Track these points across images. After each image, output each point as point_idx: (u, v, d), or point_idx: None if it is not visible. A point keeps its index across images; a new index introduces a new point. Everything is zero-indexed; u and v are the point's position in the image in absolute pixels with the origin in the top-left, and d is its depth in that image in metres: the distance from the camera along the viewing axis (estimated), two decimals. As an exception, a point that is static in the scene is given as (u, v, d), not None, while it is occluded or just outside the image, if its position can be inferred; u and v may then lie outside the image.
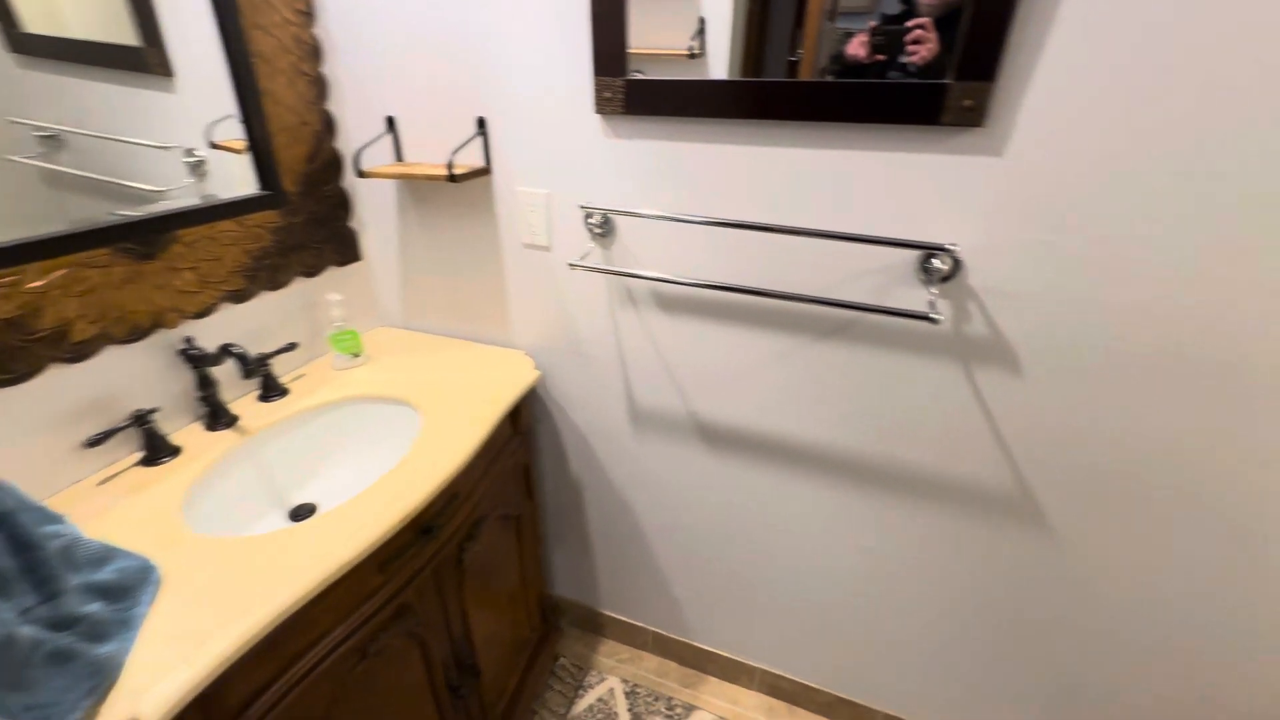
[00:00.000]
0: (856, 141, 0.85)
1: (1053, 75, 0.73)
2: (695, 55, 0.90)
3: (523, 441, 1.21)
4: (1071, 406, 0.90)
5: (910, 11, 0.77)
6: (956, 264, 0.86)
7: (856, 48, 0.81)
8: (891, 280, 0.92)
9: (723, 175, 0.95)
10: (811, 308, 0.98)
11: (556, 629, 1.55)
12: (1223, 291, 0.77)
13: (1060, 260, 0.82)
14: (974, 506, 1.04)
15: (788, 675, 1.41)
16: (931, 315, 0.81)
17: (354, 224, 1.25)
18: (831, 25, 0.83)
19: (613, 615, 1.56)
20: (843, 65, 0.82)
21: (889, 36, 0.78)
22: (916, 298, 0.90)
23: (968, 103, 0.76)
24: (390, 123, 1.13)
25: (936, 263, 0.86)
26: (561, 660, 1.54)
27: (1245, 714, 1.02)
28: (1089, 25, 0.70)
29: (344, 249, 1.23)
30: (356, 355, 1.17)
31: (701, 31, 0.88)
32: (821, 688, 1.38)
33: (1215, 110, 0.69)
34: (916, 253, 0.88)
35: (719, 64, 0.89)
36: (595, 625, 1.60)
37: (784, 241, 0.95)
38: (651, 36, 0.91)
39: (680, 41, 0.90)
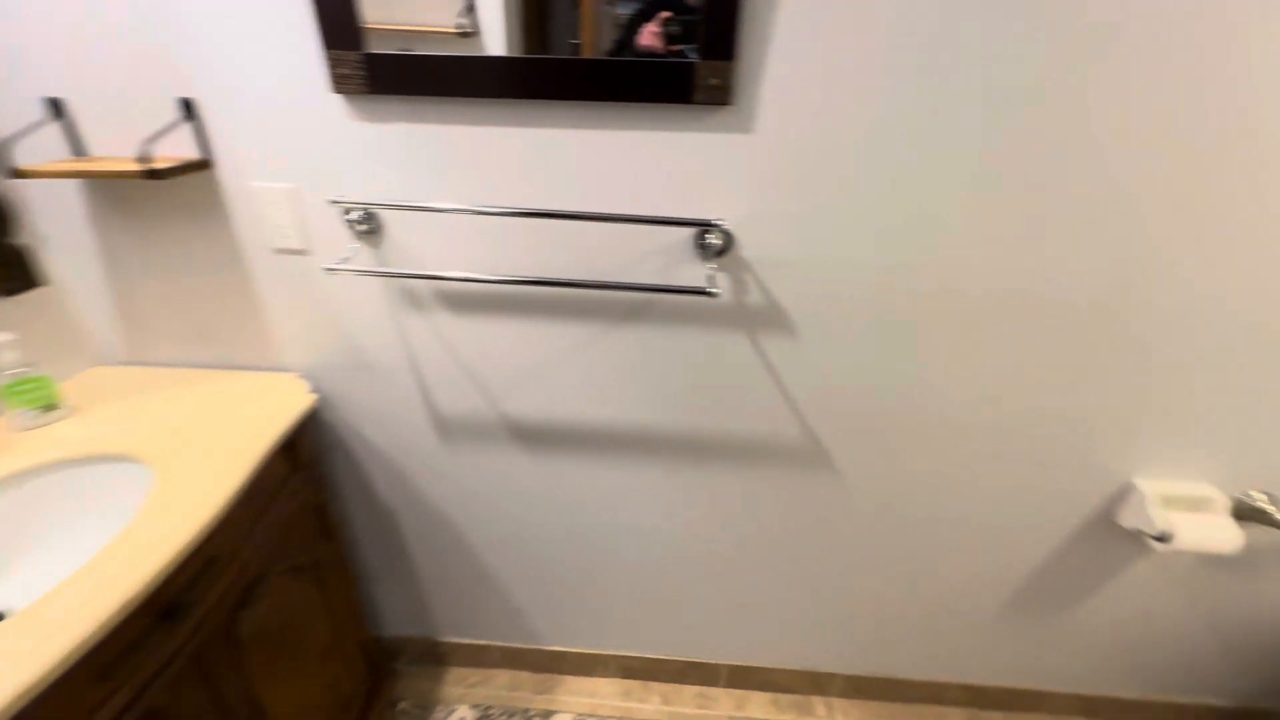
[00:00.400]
0: (623, 121, 0.84)
1: (785, 53, 0.78)
2: (467, 34, 0.82)
3: (307, 478, 1.05)
4: (842, 358, 1.00)
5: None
6: (728, 238, 0.90)
7: (649, 38, 0.79)
8: (674, 259, 0.93)
9: (493, 160, 0.89)
10: (604, 293, 0.97)
11: (390, 673, 1.40)
12: (959, 248, 0.90)
13: (813, 228, 0.89)
14: (778, 460, 1.12)
15: (640, 654, 1.43)
16: (709, 289, 0.84)
17: (22, 240, 0.96)
18: (610, 8, 0.80)
19: (454, 641, 1.45)
20: (636, 56, 0.80)
21: (685, 26, 0.78)
22: (698, 274, 0.93)
23: (714, 81, 0.79)
24: (56, 106, 0.88)
25: (711, 239, 0.89)
26: (402, 705, 1.40)
27: (959, 584, 1.25)
28: (809, 3, 0.76)
29: (7, 274, 0.94)
30: (51, 408, 0.91)
31: (471, 8, 0.81)
32: (671, 658, 1.43)
33: (940, 79, 0.79)
34: (691, 230, 0.90)
35: (495, 44, 0.82)
36: (436, 656, 1.48)
37: (566, 227, 0.92)
38: (416, 12, 0.82)
39: (446, 18, 0.81)
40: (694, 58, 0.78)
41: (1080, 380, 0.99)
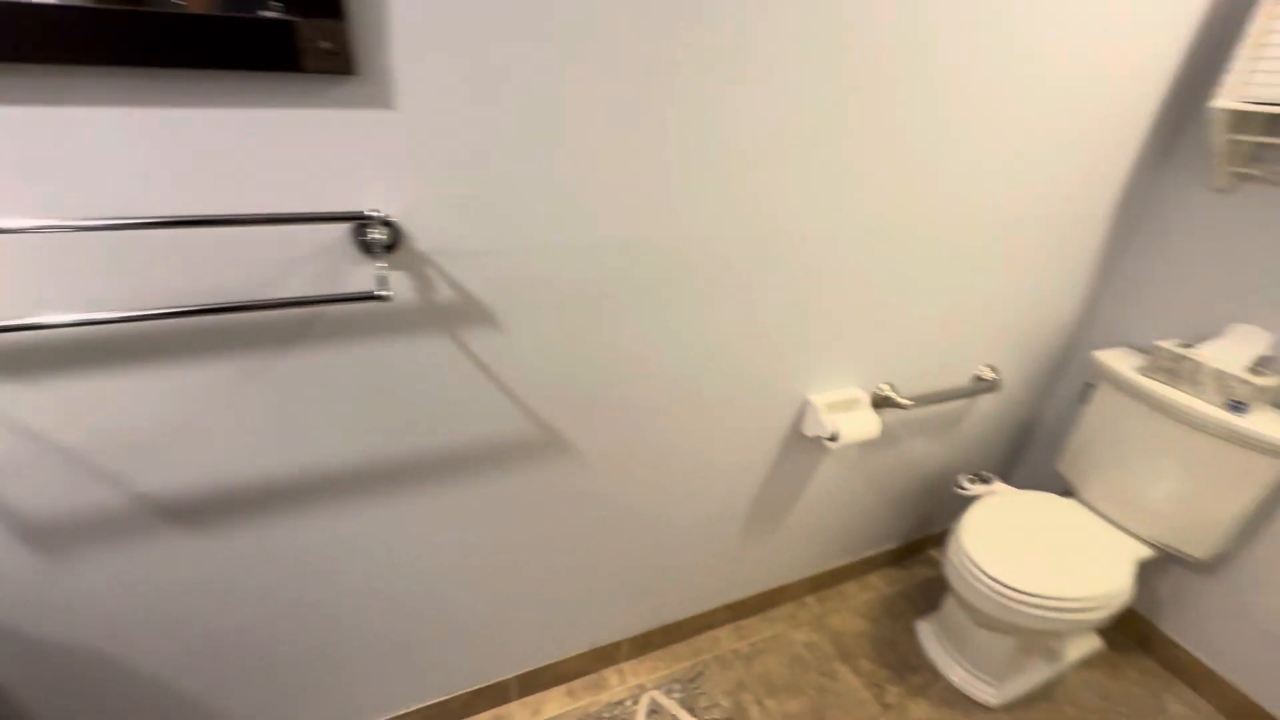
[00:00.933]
0: (219, 96, 0.65)
1: (411, 13, 0.68)
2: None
3: None
4: (553, 342, 0.97)
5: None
6: (395, 232, 0.78)
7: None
8: (335, 263, 0.78)
9: (39, 156, 0.61)
10: (249, 316, 0.77)
11: None
12: (628, 222, 0.91)
13: (487, 213, 0.83)
14: (517, 457, 1.06)
15: (413, 708, 1.27)
16: (379, 293, 0.72)
17: None
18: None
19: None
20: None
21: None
22: (367, 277, 0.80)
23: (326, 45, 0.65)
24: None
25: (373, 234, 0.76)
26: None
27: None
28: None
29: None
30: None
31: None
32: (452, 694, 1.30)
33: (591, 45, 0.77)
34: (346, 226, 0.76)
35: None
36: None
37: (170, 240, 0.70)
38: None
39: None
40: (287, 15, 0.63)
41: (756, 325, 1.14)
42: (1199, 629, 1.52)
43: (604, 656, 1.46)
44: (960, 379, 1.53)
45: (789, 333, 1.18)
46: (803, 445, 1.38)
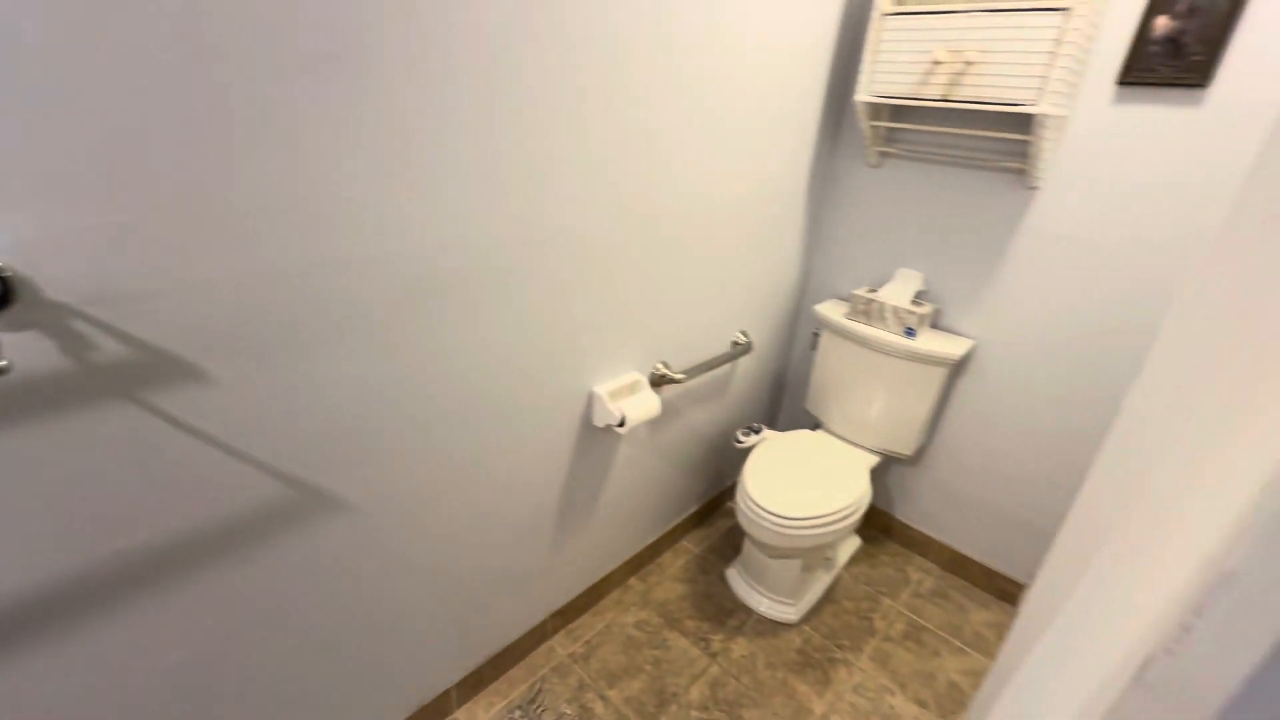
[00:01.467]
0: None
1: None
2: None
3: None
4: (287, 386, 0.83)
5: None
6: (3, 283, 0.58)
7: None
8: (-95, 334, 0.55)
9: None
10: None
11: None
12: (391, 238, 0.81)
13: (159, 241, 0.67)
14: (270, 528, 0.89)
15: None
16: (-12, 368, 0.53)
17: None
18: None
19: None
20: None
21: None
22: (-29, 346, 0.58)
23: None
24: None
25: (-33, 288, 0.56)
26: None
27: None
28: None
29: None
30: None
31: None
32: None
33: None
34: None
35: None
36: None
37: None
38: None
39: None
40: None
41: (530, 330, 1.12)
42: (918, 508, 1.94)
43: (435, 710, 1.33)
44: (721, 347, 1.71)
45: (563, 331, 1.19)
46: (596, 436, 1.41)
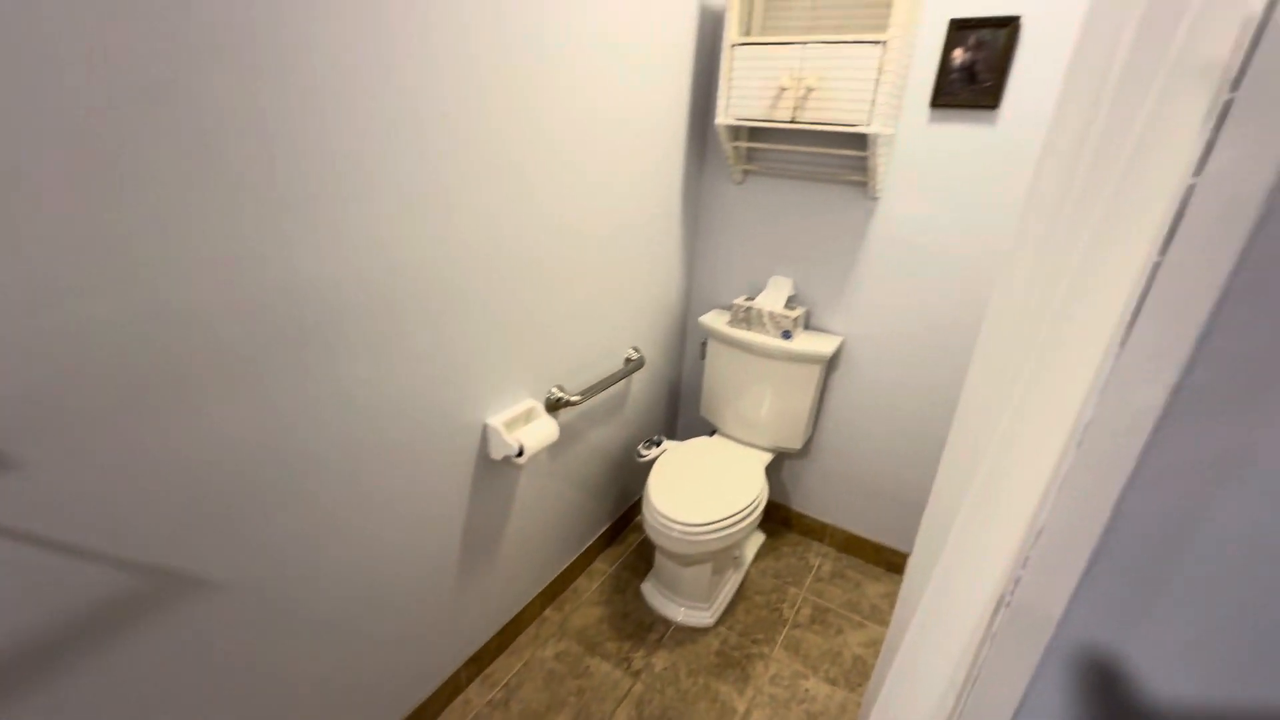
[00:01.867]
0: None
1: None
2: None
3: None
4: (115, 461, 0.72)
5: None
6: None
7: None
8: None
9: None
10: None
11: None
12: (227, 281, 0.72)
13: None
14: (122, 620, 0.76)
15: None
16: None
17: None
18: None
19: None
20: None
21: None
22: None
23: None
24: None
25: None
26: None
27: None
28: None
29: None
30: None
31: None
32: None
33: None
34: None
35: None
36: None
37: None
38: None
39: None
40: None
41: (410, 369, 1.06)
42: (812, 498, 2.08)
43: (336, 798, 1.20)
44: (615, 365, 1.73)
45: (446, 365, 1.14)
46: (495, 470, 1.36)
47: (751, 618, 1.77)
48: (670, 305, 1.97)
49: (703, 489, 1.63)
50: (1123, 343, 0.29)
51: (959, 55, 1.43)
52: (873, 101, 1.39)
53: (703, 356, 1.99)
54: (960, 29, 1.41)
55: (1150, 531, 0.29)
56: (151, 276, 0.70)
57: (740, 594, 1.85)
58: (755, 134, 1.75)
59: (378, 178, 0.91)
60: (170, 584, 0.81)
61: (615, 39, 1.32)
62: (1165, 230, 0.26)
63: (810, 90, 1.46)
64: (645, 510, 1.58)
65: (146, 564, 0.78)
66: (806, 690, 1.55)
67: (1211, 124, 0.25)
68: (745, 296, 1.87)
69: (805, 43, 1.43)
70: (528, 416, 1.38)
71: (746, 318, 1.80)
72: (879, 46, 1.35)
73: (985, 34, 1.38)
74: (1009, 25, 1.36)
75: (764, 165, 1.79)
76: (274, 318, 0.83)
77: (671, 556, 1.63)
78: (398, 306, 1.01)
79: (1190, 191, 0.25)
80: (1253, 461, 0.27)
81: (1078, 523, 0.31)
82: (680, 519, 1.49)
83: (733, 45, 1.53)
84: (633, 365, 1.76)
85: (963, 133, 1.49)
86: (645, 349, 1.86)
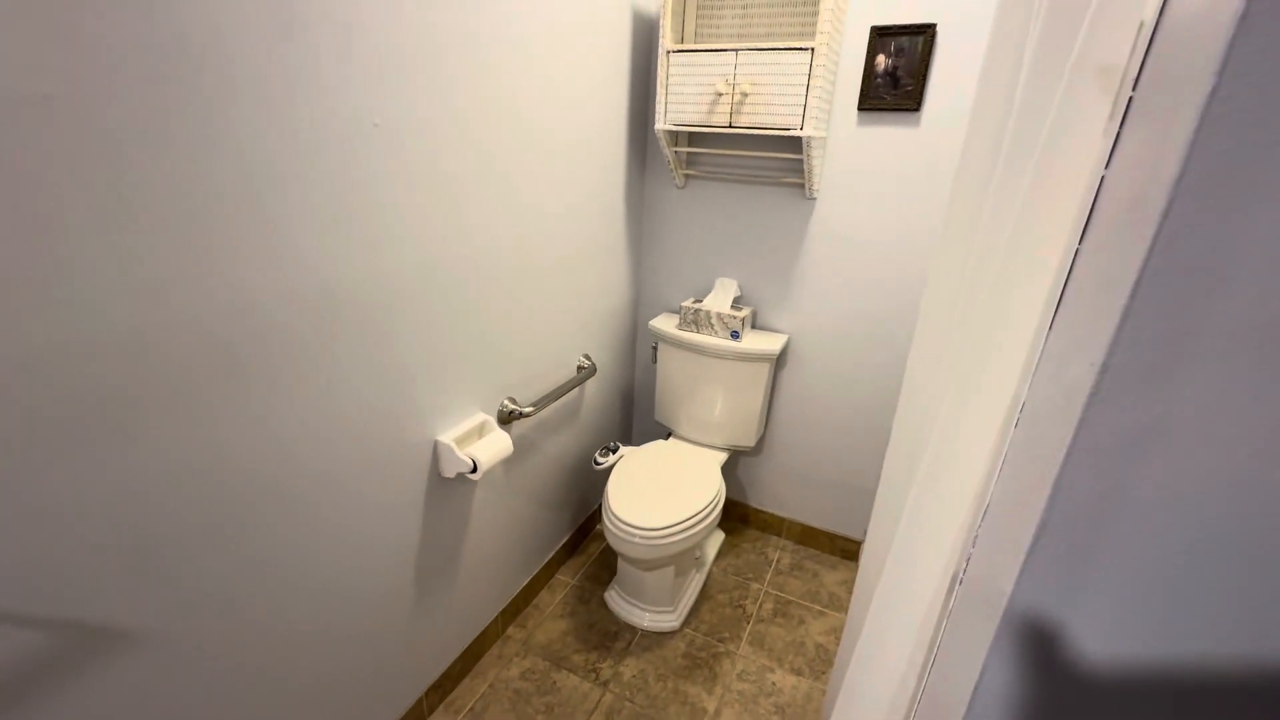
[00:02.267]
0: None
1: None
2: None
3: None
4: (24, 509, 0.66)
5: None
6: None
7: None
8: None
9: None
10: None
11: None
12: (148, 305, 0.67)
13: None
14: (39, 684, 0.69)
15: None
16: None
17: None
18: None
19: None
20: None
21: None
22: None
23: None
24: None
25: None
26: None
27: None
28: None
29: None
30: None
31: None
32: None
33: None
34: None
35: None
36: None
37: None
38: None
39: None
40: None
41: (359, 385, 1.02)
42: (767, 493, 2.12)
43: None
44: (567, 373, 1.71)
45: (391, 384, 1.10)
46: (448, 488, 1.32)
47: (716, 616, 1.78)
48: (619, 311, 1.97)
49: (662, 492, 1.63)
50: (1050, 326, 0.31)
51: (882, 61, 1.50)
52: (804, 105, 1.44)
53: (654, 360, 2.00)
54: (881, 36, 1.48)
55: (1084, 503, 0.31)
56: (38, 307, 0.64)
57: (704, 594, 1.87)
58: (695, 139, 1.78)
59: (301, 190, 0.87)
60: (91, 639, 0.74)
61: (552, 47, 1.31)
62: (1083, 219, 0.28)
63: (745, 95, 1.49)
64: (605, 518, 1.57)
65: (63, 619, 0.71)
66: (773, 683, 1.57)
67: (1118, 120, 0.27)
68: (693, 299, 1.90)
69: (738, 49, 1.47)
70: (480, 431, 1.34)
71: (695, 320, 1.82)
72: (808, 53, 1.40)
73: (904, 41, 1.46)
74: (925, 32, 1.43)
75: (705, 169, 1.82)
76: (185, 348, 0.78)
77: (634, 562, 1.62)
78: (332, 326, 0.96)
79: (1102, 183, 0.27)
80: (1168, 433, 0.29)
81: (1020, 499, 0.33)
82: (641, 524, 1.49)
83: (668, 52, 1.55)
84: (585, 373, 1.75)
85: (889, 134, 1.56)
86: (597, 356, 1.85)
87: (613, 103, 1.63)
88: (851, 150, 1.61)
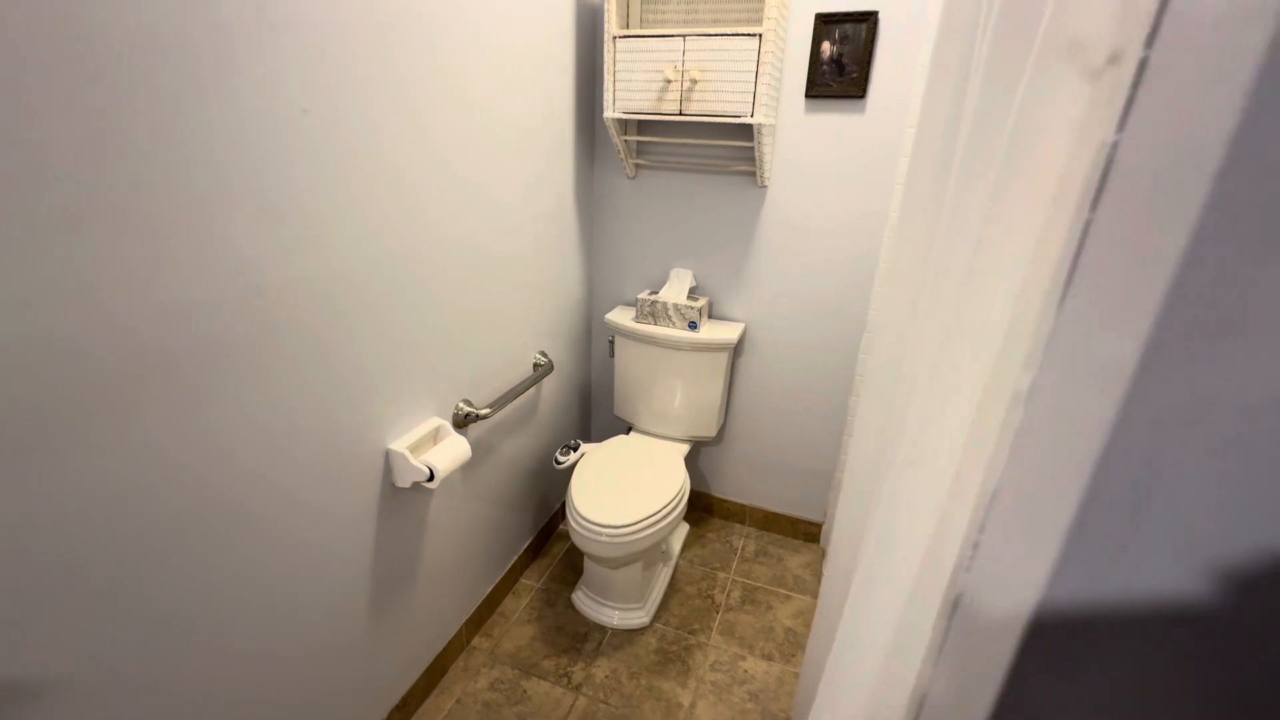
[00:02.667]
0: None
1: None
2: None
3: None
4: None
5: None
6: None
7: None
8: None
9: None
10: None
11: None
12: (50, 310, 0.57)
13: None
14: None
15: None
16: None
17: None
18: None
19: None
20: None
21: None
22: None
23: None
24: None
25: None
26: None
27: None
28: None
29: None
30: None
31: None
32: None
33: None
34: None
35: None
36: None
37: None
38: None
39: None
40: None
41: (301, 394, 0.94)
42: (730, 482, 2.13)
43: None
44: (523, 372, 1.66)
45: (338, 393, 1.02)
46: (403, 498, 1.25)
47: (686, 609, 1.78)
48: (574, 305, 1.92)
49: (626, 489, 1.61)
50: (1061, 302, 0.29)
51: (827, 48, 1.51)
52: (754, 92, 1.43)
53: (612, 355, 1.96)
54: (826, 23, 1.49)
55: (1120, 486, 0.30)
56: None
57: (672, 587, 1.86)
58: (645, 127, 1.74)
59: (227, 185, 0.79)
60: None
61: (498, 31, 1.25)
62: (1093, 188, 0.27)
63: (695, 82, 1.47)
64: (570, 518, 1.53)
65: (-43, 681, 0.62)
66: (746, 671, 1.58)
67: (1129, 81, 0.25)
68: (649, 291, 1.87)
69: (685, 35, 1.44)
70: (435, 436, 1.27)
71: (652, 312, 1.80)
72: (755, 39, 1.39)
73: (848, 28, 1.47)
74: (869, 20, 1.45)
75: (655, 159, 1.79)
76: (115, 354, 0.69)
77: (601, 561, 1.59)
78: (269, 333, 0.88)
79: (1114, 149, 0.26)
80: (1216, 406, 0.27)
81: (1041, 484, 0.32)
82: (607, 522, 1.46)
83: (614, 37, 1.51)
84: (542, 370, 1.70)
85: (837, 121, 1.57)
86: (553, 352, 1.80)
87: (560, 90, 1.58)
88: (800, 137, 1.62)
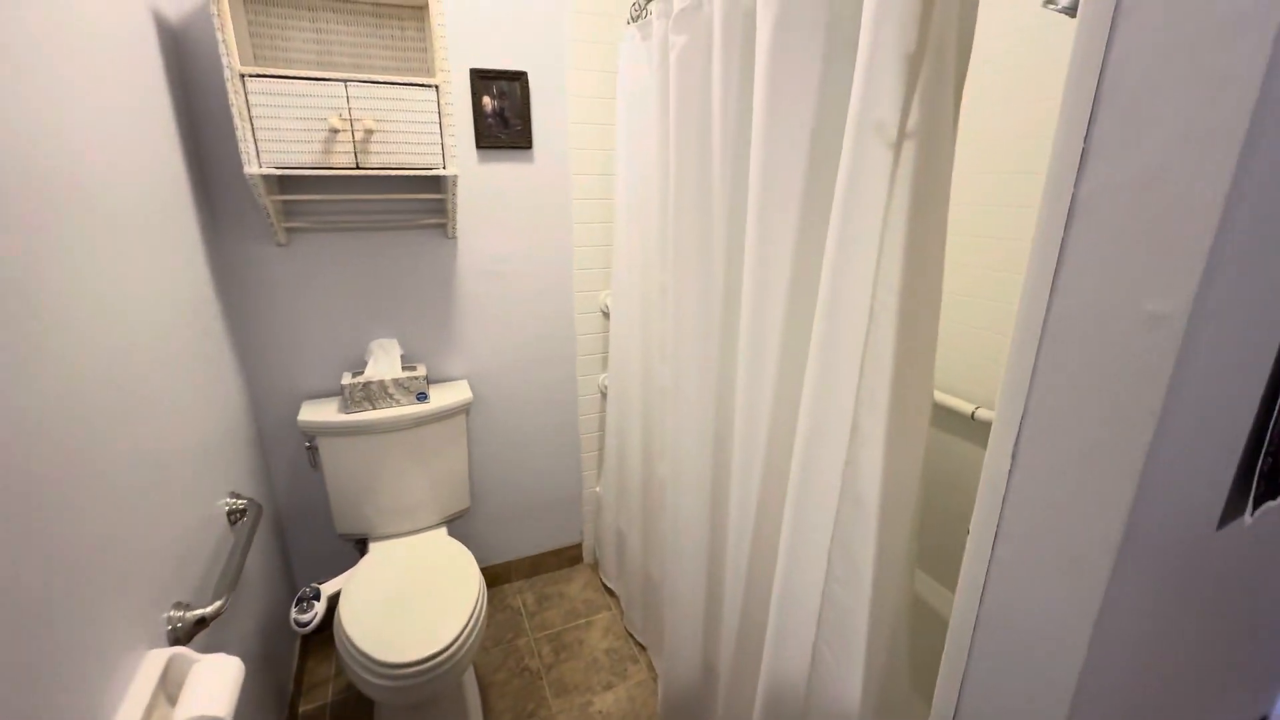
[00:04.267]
0: None
1: None
2: None
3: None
4: None
5: None
6: None
7: None
8: None
9: None
10: None
11: None
12: None
13: None
14: None
15: None
16: None
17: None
18: None
19: None
20: None
21: None
22: None
23: None
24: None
25: None
26: None
27: None
28: None
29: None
30: None
31: None
32: None
33: None
34: None
35: None
36: None
37: None
38: None
39: None
40: None
41: None
42: (487, 546, 1.97)
43: None
44: (220, 531, 1.16)
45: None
46: None
47: (509, 697, 1.61)
48: (236, 425, 1.43)
49: (413, 608, 1.33)
50: (1056, 275, 0.49)
51: (488, 102, 1.56)
52: (441, 144, 1.38)
53: (314, 464, 1.56)
54: (482, 79, 1.54)
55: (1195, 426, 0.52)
56: None
57: (484, 685, 1.64)
58: (299, 184, 1.43)
59: None
60: None
61: (70, 58, 0.83)
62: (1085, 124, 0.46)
63: (370, 133, 1.30)
64: (357, 669, 1.19)
65: None
66: (600, 712, 1.56)
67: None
68: (351, 373, 1.56)
69: (347, 80, 1.26)
70: (165, 677, 0.80)
71: (367, 394, 1.51)
72: (433, 90, 1.33)
73: (504, 85, 1.56)
74: (520, 79, 1.57)
75: (315, 220, 1.49)
76: None
77: (405, 707, 1.29)
78: None
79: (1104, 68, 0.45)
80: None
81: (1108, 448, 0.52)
82: (416, 658, 1.17)
83: (242, 75, 1.19)
84: (247, 516, 1.23)
85: (510, 170, 1.65)
86: (244, 489, 1.32)
87: (163, 148, 1.15)
88: (480, 187, 1.63)
